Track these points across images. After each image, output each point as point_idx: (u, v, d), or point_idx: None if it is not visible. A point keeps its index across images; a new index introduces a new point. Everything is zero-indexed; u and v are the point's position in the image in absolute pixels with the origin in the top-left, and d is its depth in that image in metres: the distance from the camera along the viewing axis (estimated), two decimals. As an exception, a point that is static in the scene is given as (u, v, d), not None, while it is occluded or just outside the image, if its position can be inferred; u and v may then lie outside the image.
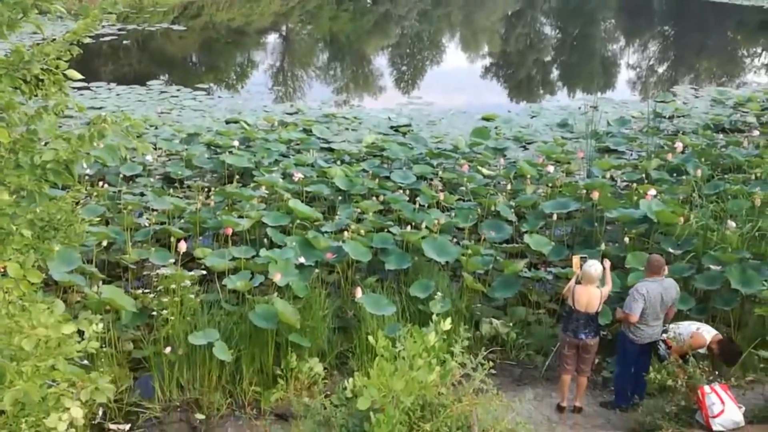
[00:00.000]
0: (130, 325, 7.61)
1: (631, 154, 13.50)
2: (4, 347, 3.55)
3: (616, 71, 24.81)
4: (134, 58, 24.81)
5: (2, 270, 3.89)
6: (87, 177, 10.83)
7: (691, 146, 12.29)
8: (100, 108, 16.43)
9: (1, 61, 4.25)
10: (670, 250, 8.36)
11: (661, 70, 25.61)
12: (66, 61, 4.59)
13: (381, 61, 26.58)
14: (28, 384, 3.43)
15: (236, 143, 12.57)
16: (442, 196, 10.28)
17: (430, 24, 35.75)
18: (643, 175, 10.94)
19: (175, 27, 29.31)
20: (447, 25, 36.03)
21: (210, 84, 20.44)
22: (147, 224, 9.52)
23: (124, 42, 25.73)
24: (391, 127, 15.44)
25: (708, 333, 6.66)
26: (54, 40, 4.65)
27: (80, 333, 3.84)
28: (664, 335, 6.77)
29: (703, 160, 11.14)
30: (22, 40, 9.84)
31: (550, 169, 10.98)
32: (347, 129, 15.33)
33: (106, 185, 10.53)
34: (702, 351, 6.64)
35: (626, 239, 8.85)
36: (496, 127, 15.07)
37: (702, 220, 8.57)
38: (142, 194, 10.58)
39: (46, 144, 4.60)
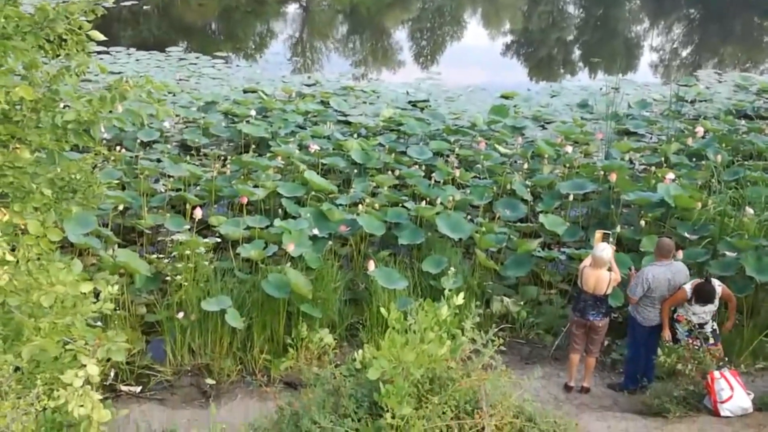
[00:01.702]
0: (143, 289, 7.69)
1: (651, 138, 13.37)
2: (23, 303, 3.59)
3: (639, 53, 24.48)
4: (154, 24, 24.75)
5: (22, 227, 3.92)
6: (104, 141, 10.87)
7: (712, 131, 12.14)
8: (119, 73, 16.44)
9: (27, 18, 4.25)
10: (686, 234, 8.30)
11: (684, 53, 25.25)
12: (89, 22, 4.58)
13: (401, 35, 26.36)
14: (45, 340, 3.48)
15: (253, 113, 12.56)
16: (457, 172, 10.24)
17: (451, -1, 35.38)
18: (662, 159, 10.83)
19: (196, -6, 29.21)
20: (469, 0, 35.63)
21: (229, 53, 20.37)
22: (163, 190, 9.57)
23: (144, 7, 25.66)
24: (409, 102, 15.36)
25: (689, 284, 6.65)
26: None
27: (95, 295, 3.88)
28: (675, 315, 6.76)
29: (723, 145, 11.01)
30: None
31: (568, 149, 10.89)
32: (365, 102, 15.26)
33: (123, 150, 10.57)
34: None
35: (642, 222, 8.80)
36: (515, 106, 14.93)
37: (720, 205, 8.49)
38: (158, 160, 10.61)
39: (64, 106, 4.62)
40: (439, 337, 4.35)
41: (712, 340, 6.61)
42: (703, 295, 6.54)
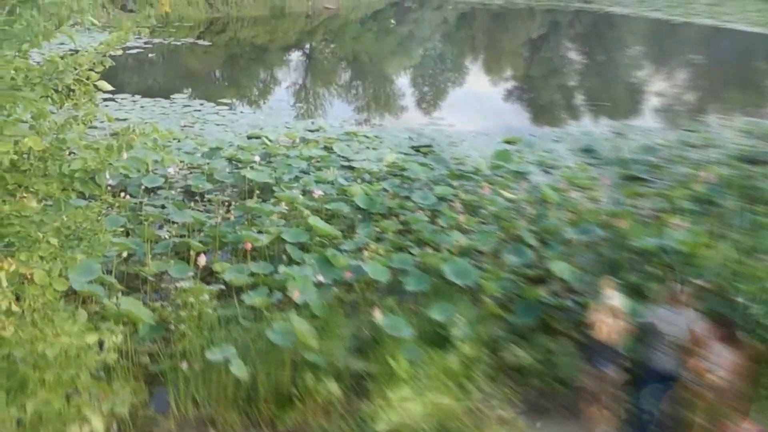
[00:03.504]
0: (147, 338, 7.57)
1: (658, 183, 13.36)
2: (27, 355, 3.52)
3: (643, 98, 24.66)
4: (159, 71, 25.05)
5: (28, 277, 3.87)
6: (109, 188, 10.87)
7: (720, 176, 12.14)
8: (125, 119, 16.57)
9: (36, 69, 4.27)
10: (695, 280, 8.20)
11: (688, 98, 25.44)
12: (97, 72, 4.62)
13: (403, 82, 26.63)
14: (50, 394, 3.39)
15: (257, 158, 12.59)
16: (462, 218, 10.20)
17: (452, 46, 35.88)
18: (669, 204, 10.80)
19: (200, 42, 29.62)
20: (470, 47, 36.12)
21: (233, 99, 20.55)
22: (167, 237, 9.52)
23: (150, 55, 26.00)
24: (412, 147, 15.41)
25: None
26: (77, 51, 4.66)
27: (99, 345, 3.81)
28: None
29: (731, 190, 10.98)
30: (51, 49, 9.94)
31: (574, 194, 10.87)
32: (368, 148, 15.31)
33: (127, 196, 10.56)
34: None
35: (650, 268, 8.71)
36: (518, 151, 14.97)
37: (729, 251, 8.42)
38: (163, 206, 10.59)
39: (70, 153, 4.62)
40: (447, 388, 4.26)
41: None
42: (722, 340, 6.43)
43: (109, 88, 4.67)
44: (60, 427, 3.59)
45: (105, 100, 17.52)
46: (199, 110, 18.24)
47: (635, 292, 8.55)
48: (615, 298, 6.63)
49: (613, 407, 7.20)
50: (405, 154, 14.42)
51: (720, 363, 6.44)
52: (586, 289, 8.83)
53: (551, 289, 8.96)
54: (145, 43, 26.95)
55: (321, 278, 8.25)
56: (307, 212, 9.94)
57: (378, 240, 9.64)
